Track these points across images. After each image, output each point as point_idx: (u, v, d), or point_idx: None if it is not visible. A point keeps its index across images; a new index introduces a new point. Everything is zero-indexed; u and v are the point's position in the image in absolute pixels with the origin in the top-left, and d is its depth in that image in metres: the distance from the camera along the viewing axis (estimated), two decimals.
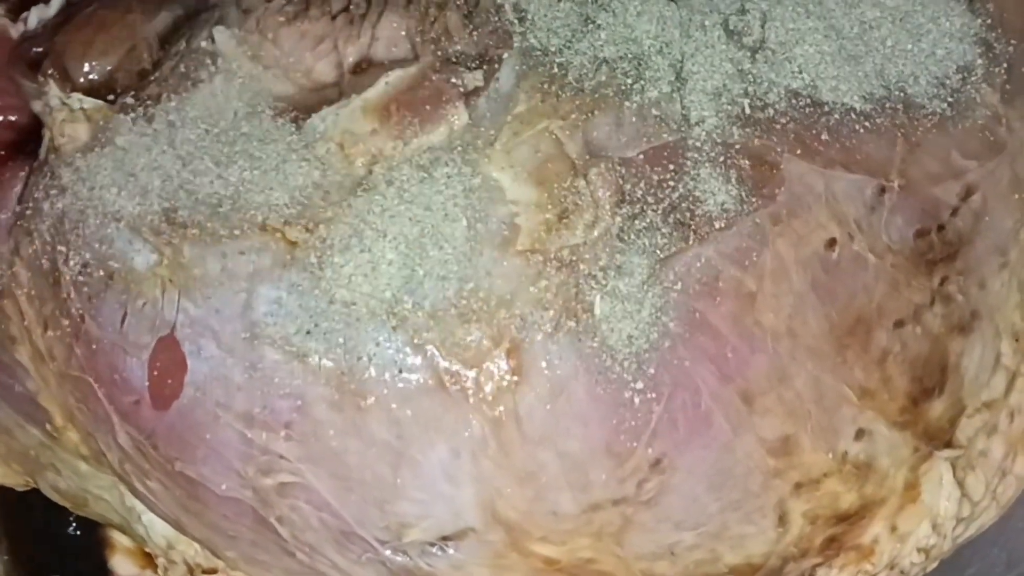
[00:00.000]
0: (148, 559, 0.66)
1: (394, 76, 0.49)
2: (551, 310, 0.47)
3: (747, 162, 0.49)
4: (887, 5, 0.54)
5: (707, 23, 0.52)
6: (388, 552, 0.50)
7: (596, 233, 0.48)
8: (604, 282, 0.47)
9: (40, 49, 0.55)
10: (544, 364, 0.47)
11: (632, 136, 0.49)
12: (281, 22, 0.51)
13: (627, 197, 0.48)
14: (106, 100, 0.51)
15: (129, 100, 0.50)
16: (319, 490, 0.48)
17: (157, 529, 0.57)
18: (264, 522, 0.50)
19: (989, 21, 0.56)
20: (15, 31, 0.57)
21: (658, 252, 0.48)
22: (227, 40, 0.50)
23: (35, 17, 0.57)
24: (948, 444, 0.54)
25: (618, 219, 0.48)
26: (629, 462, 0.48)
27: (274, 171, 0.48)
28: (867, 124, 0.51)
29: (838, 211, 0.50)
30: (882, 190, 0.51)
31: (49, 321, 0.50)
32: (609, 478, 0.48)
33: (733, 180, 0.49)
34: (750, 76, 0.51)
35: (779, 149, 0.50)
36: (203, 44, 0.51)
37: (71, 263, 0.49)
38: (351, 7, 0.51)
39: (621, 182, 0.48)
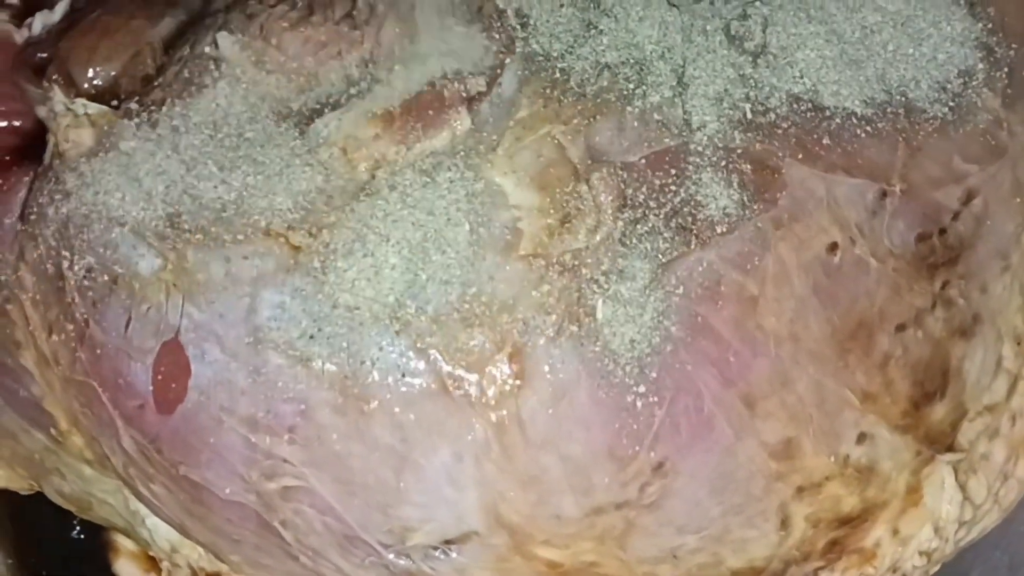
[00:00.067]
0: (152, 563, 0.66)
1: (397, 81, 0.49)
2: (553, 314, 0.47)
3: (749, 167, 0.50)
4: (888, 10, 0.54)
5: (709, 28, 0.52)
6: (391, 556, 0.50)
7: (598, 238, 0.48)
8: (606, 286, 0.48)
9: (44, 55, 0.55)
10: (547, 368, 0.47)
11: (634, 141, 0.49)
12: (284, 27, 0.51)
13: (629, 202, 0.48)
14: (110, 105, 0.51)
15: (133, 105, 0.51)
16: (322, 494, 0.49)
17: (161, 533, 0.57)
18: (268, 526, 0.50)
19: (990, 25, 0.56)
20: (19, 36, 0.57)
21: (660, 256, 0.48)
22: (231, 45, 0.51)
23: (39, 23, 0.57)
24: (950, 448, 0.54)
25: (620, 224, 0.48)
26: (631, 466, 0.48)
27: (278, 176, 0.48)
28: (868, 128, 0.51)
29: (840, 215, 0.50)
30: (883, 194, 0.51)
31: (54, 326, 0.51)
32: (612, 482, 0.48)
33: (735, 184, 0.49)
34: (752, 81, 0.51)
35: (781, 154, 0.50)
36: (207, 49, 0.51)
37: (75, 268, 0.49)
38: (354, 12, 0.51)
39: (623, 187, 0.49)
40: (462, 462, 0.48)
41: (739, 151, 0.50)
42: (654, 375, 0.48)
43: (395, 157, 0.48)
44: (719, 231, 0.48)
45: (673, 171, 0.49)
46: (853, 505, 0.52)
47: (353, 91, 0.49)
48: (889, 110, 0.52)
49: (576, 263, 0.48)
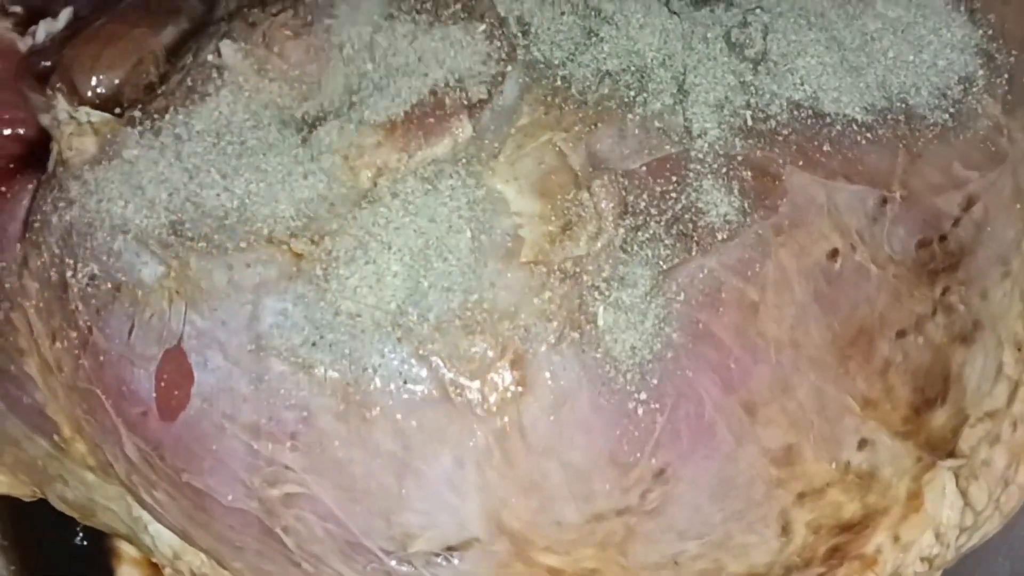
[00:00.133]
0: (155, 569, 0.66)
1: (400, 89, 0.49)
2: (555, 321, 0.47)
3: (749, 173, 0.50)
4: (888, 17, 0.54)
5: (709, 35, 0.52)
6: (393, 562, 0.50)
7: (599, 245, 0.48)
8: (607, 293, 0.48)
9: (48, 63, 0.55)
10: (548, 375, 0.47)
11: (635, 148, 0.49)
12: (287, 35, 0.51)
13: (630, 209, 0.49)
14: (113, 113, 0.52)
15: (136, 113, 0.51)
16: (324, 500, 0.49)
17: (164, 539, 0.57)
18: (270, 532, 0.50)
19: (990, 32, 0.56)
20: (23, 44, 0.57)
21: (661, 263, 0.48)
22: (233, 53, 0.51)
23: (43, 31, 0.57)
24: (951, 454, 0.54)
25: (621, 231, 0.48)
26: (633, 472, 0.48)
27: (280, 184, 0.48)
28: (869, 135, 0.51)
29: (840, 222, 0.50)
30: (884, 201, 0.51)
31: (57, 333, 0.51)
32: (613, 488, 0.48)
33: (735, 191, 0.49)
34: (752, 88, 0.51)
35: (781, 160, 0.50)
36: (210, 58, 0.51)
37: (79, 275, 0.50)
38: None
39: (624, 194, 0.49)
40: (464, 469, 0.48)
41: (740, 158, 0.50)
42: (655, 382, 0.48)
43: (397, 165, 0.48)
44: (720, 238, 0.49)
45: (674, 178, 0.49)
46: (854, 511, 0.52)
47: (355, 99, 0.49)
48: (889, 117, 0.52)
49: (577, 270, 0.48)
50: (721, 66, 0.51)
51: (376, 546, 0.49)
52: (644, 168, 0.49)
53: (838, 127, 0.51)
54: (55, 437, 0.55)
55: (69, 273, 0.50)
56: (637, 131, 0.50)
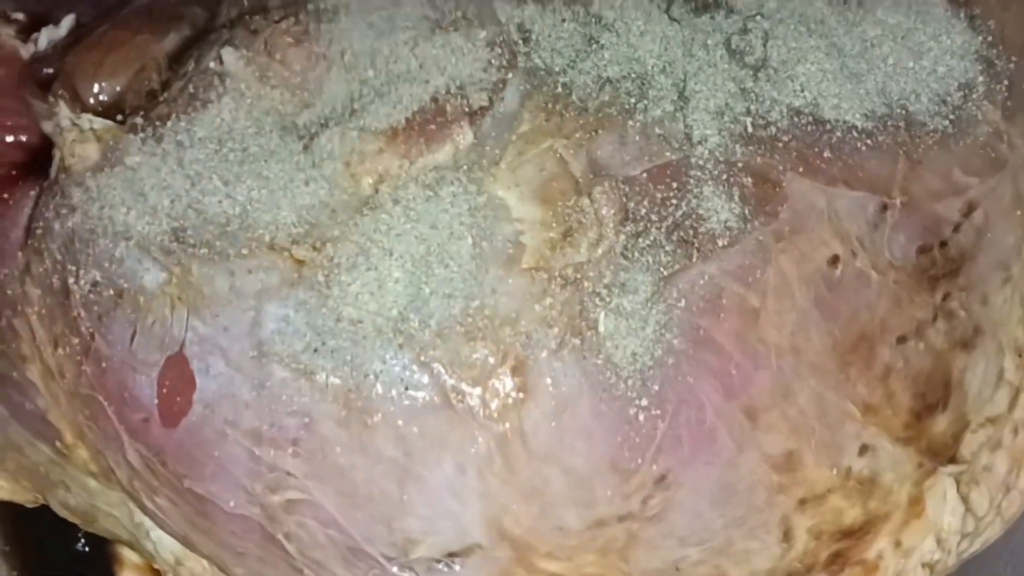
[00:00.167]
0: (156, 575, 0.66)
1: (401, 96, 0.49)
2: (556, 327, 0.47)
3: (750, 180, 0.50)
4: (888, 23, 0.55)
5: (709, 42, 0.52)
6: (395, 569, 0.50)
7: (600, 251, 0.48)
8: (608, 299, 0.48)
9: (50, 70, 0.55)
10: (549, 381, 0.47)
11: (636, 155, 0.50)
12: (289, 42, 0.51)
13: (631, 215, 0.49)
14: (116, 120, 0.52)
15: (138, 120, 0.51)
16: (326, 507, 0.49)
17: (166, 545, 0.57)
18: (272, 539, 0.50)
19: (990, 38, 0.56)
20: (25, 52, 0.57)
21: (662, 269, 0.48)
22: (235, 61, 0.51)
23: (45, 38, 0.57)
24: (952, 459, 0.54)
25: (622, 237, 0.48)
26: (634, 478, 0.48)
27: (282, 190, 0.48)
28: (869, 142, 0.52)
29: (841, 228, 0.50)
30: (884, 207, 0.51)
31: (59, 339, 0.51)
32: (614, 494, 0.48)
33: (736, 198, 0.49)
34: (752, 95, 0.51)
35: (781, 167, 0.50)
36: (212, 65, 0.51)
37: (81, 282, 0.50)
38: None
39: (625, 200, 0.49)
40: (465, 475, 0.48)
41: (740, 164, 0.50)
42: (656, 388, 0.48)
43: (398, 171, 0.49)
44: (720, 244, 0.49)
45: (675, 184, 0.49)
46: (855, 517, 0.52)
47: (356, 106, 0.50)
48: (889, 123, 0.52)
49: (578, 276, 0.48)
50: (721, 73, 0.52)
51: (378, 552, 0.50)
52: (645, 175, 0.49)
53: (838, 133, 0.51)
54: (57, 443, 0.55)
55: (71, 279, 0.50)
56: (638, 138, 0.50)
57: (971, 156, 0.54)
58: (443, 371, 0.47)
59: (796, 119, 0.51)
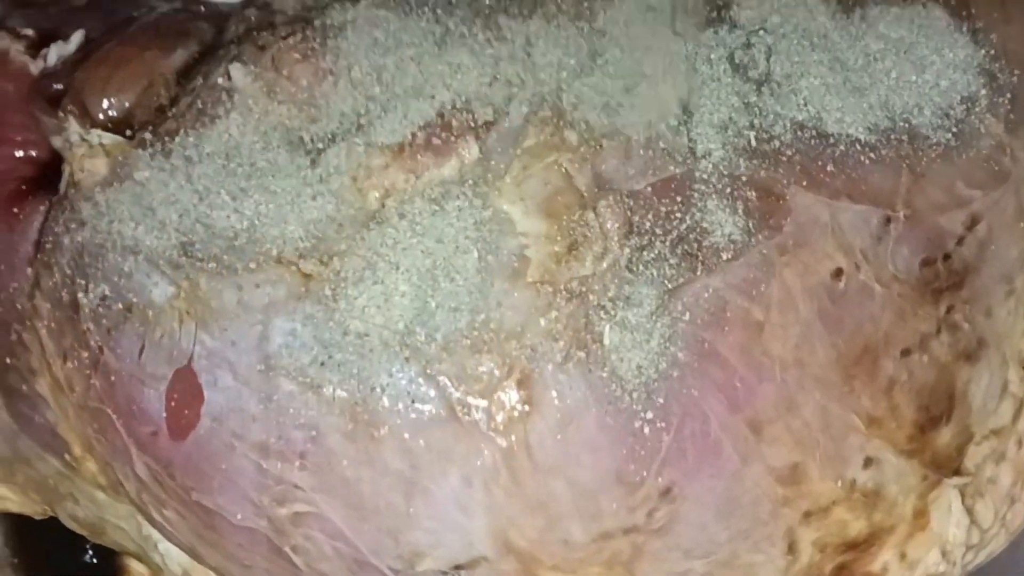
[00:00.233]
0: None
1: (407, 111, 0.50)
2: (561, 341, 0.47)
3: (754, 193, 0.50)
4: (891, 37, 0.55)
5: (713, 57, 0.52)
6: None
7: (605, 264, 0.48)
8: (613, 312, 0.48)
9: (60, 85, 0.56)
10: (554, 394, 0.47)
11: (640, 169, 0.50)
12: (296, 58, 0.51)
13: (635, 229, 0.49)
14: (124, 135, 0.52)
15: (147, 135, 0.51)
16: (333, 519, 0.49)
17: (173, 557, 0.57)
18: (279, 551, 0.50)
19: (992, 52, 0.56)
20: (35, 67, 0.58)
21: (666, 283, 0.48)
22: (243, 76, 0.51)
23: (55, 54, 0.58)
24: (956, 472, 0.54)
25: (627, 250, 0.49)
26: (639, 491, 0.48)
27: (289, 205, 0.49)
28: (872, 155, 0.52)
29: (844, 241, 0.51)
30: (888, 220, 0.51)
31: (68, 353, 0.51)
32: (619, 507, 0.49)
33: (740, 211, 0.50)
34: (756, 109, 0.52)
35: (785, 181, 0.50)
36: (220, 80, 0.52)
37: (90, 296, 0.50)
38: None
39: (629, 214, 0.49)
40: (471, 487, 0.48)
41: (744, 178, 0.50)
42: (661, 401, 0.48)
43: (404, 186, 0.49)
44: (724, 258, 0.49)
45: (679, 198, 0.49)
46: (860, 529, 0.52)
47: (363, 121, 0.50)
48: (892, 137, 0.52)
49: (583, 290, 0.48)
50: (725, 87, 0.52)
51: (384, 565, 0.50)
52: (649, 188, 0.50)
53: (841, 147, 0.51)
54: (66, 456, 0.55)
55: (81, 293, 0.50)
56: (642, 152, 0.50)
57: (974, 169, 0.54)
58: (449, 384, 0.47)
59: (800, 133, 0.51)
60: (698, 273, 0.49)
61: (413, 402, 0.47)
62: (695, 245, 0.49)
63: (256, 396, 0.48)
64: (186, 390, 0.49)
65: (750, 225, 0.49)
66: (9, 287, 0.54)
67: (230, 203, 0.49)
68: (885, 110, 0.53)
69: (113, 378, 0.50)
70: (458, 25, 0.52)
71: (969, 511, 0.55)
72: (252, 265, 0.48)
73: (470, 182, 0.49)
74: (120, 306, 0.49)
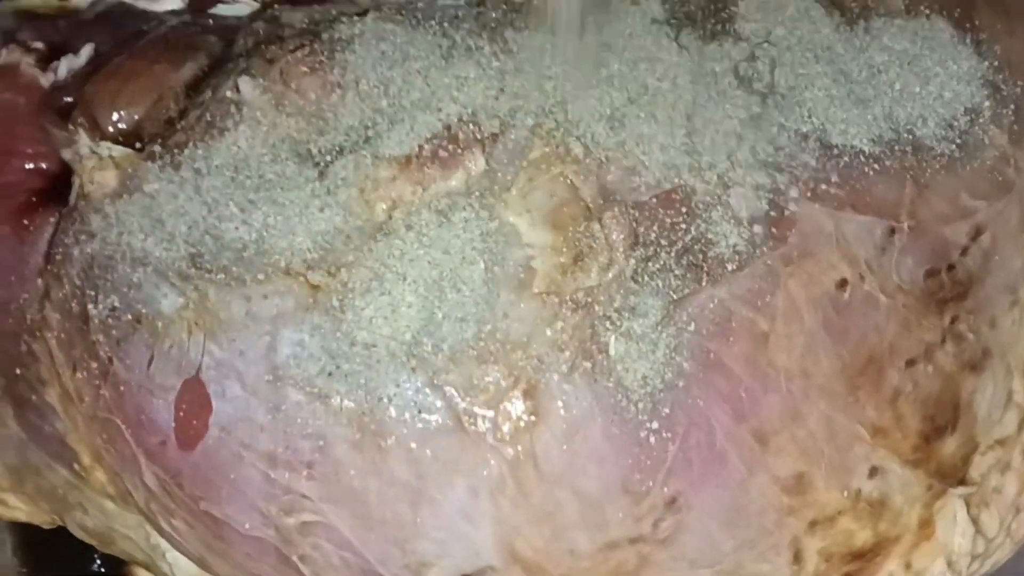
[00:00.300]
0: None
1: (414, 124, 0.50)
2: (567, 351, 0.48)
3: (758, 204, 0.50)
4: (895, 49, 0.55)
5: (718, 69, 0.53)
6: None
7: (610, 275, 0.49)
8: (619, 323, 0.48)
9: (70, 98, 0.56)
10: (560, 404, 0.48)
11: (645, 180, 0.50)
12: (304, 72, 0.52)
13: (641, 240, 0.49)
14: (134, 148, 0.53)
15: (156, 148, 0.52)
16: (340, 529, 0.49)
17: (182, 567, 0.58)
18: (287, 561, 0.51)
19: (996, 63, 0.56)
20: (45, 80, 0.58)
21: (672, 293, 0.49)
22: (252, 89, 0.52)
23: (65, 67, 0.58)
24: (961, 481, 0.54)
25: (632, 261, 0.49)
26: (645, 501, 0.49)
27: (297, 217, 0.49)
28: (876, 166, 0.52)
29: (849, 252, 0.51)
30: (892, 231, 0.52)
31: (78, 363, 0.52)
32: (625, 517, 0.49)
33: (744, 222, 0.50)
34: (760, 121, 0.52)
35: (790, 192, 0.51)
36: (228, 93, 0.52)
37: (100, 307, 0.50)
38: None
39: (635, 225, 0.49)
40: (477, 497, 0.48)
41: (748, 190, 0.50)
42: (667, 411, 0.48)
43: (411, 198, 0.49)
44: (729, 268, 0.49)
45: (683, 210, 0.50)
46: (865, 539, 0.52)
47: (370, 134, 0.50)
48: (897, 148, 0.53)
49: (589, 300, 0.48)
50: (730, 99, 0.52)
51: (391, 574, 0.50)
52: (654, 200, 0.50)
53: (846, 158, 0.52)
54: (75, 466, 0.55)
55: (90, 304, 0.51)
56: (647, 163, 0.50)
57: (978, 180, 0.54)
58: (455, 394, 0.47)
59: (804, 144, 0.52)
60: (703, 284, 0.49)
61: (420, 412, 0.47)
62: (700, 256, 0.49)
63: (264, 406, 0.48)
64: (194, 400, 0.49)
65: (755, 236, 0.50)
66: (19, 298, 0.54)
67: (239, 215, 0.49)
68: (889, 121, 0.53)
69: (122, 388, 0.50)
70: (465, 38, 0.52)
71: (974, 521, 0.55)
72: (260, 276, 0.48)
73: (476, 194, 0.49)
74: (129, 317, 0.50)
